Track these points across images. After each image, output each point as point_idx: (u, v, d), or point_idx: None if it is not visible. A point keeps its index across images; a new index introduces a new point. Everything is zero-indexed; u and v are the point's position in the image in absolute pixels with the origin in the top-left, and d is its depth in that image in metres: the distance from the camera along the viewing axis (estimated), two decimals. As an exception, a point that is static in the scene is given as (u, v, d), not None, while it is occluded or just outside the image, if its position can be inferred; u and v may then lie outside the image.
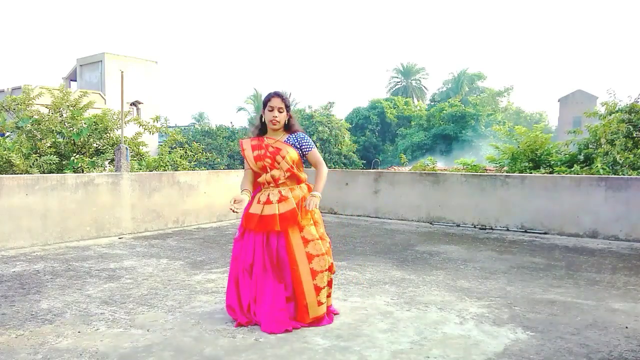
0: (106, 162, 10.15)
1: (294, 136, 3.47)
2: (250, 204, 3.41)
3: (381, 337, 3.07)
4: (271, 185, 3.39)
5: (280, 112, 3.37)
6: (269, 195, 3.37)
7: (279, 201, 3.32)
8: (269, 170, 3.36)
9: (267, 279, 3.26)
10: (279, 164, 3.35)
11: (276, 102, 3.35)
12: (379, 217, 8.51)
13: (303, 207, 3.31)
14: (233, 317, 3.35)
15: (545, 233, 6.96)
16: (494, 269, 4.89)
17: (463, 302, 3.80)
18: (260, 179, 3.43)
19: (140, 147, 10.62)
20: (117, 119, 10.25)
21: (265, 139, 3.44)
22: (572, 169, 8.52)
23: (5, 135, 10.11)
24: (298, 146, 3.45)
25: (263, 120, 3.46)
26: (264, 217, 3.31)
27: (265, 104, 3.40)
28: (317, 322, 3.30)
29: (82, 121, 10.01)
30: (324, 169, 3.48)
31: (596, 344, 2.98)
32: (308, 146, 3.47)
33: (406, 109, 44.61)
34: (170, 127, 15.42)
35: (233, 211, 3.25)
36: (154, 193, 7.16)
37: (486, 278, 4.55)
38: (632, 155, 8.39)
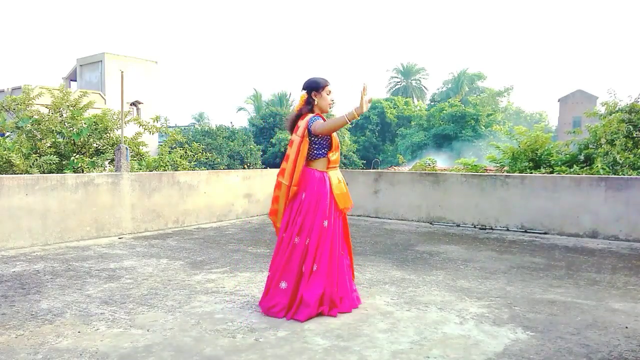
0: (106, 162, 10.14)
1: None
2: (328, 185, 3.57)
3: (381, 337, 3.07)
4: (337, 165, 3.69)
5: None
6: (337, 174, 3.68)
7: (342, 181, 3.70)
8: (338, 149, 3.67)
9: (343, 255, 3.63)
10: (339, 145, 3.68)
11: (332, 88, 3.66)
12: (379, 217, 8.51)
13: None
14: (309, 313, 3.36)
15: (545, 233, 6.96)
16: (494, 269, 4.89)
17: (463, 302, 3.80)
18: (334, 157, 3.64)
19: (140, 147, 10.62)
20: (117, 119, 10.25)
21: None
22: (572, 169, 8.52)
23: (5, 135, 10.11)
24: None
25: (315, 103, 3.61)
26: (338, 195, 3.59)
27: (322, 86, 3.60)
28: (358, 300, 3.71)
29: (82, 121, 10.01)
30: None
31: (596, 344, 2.98)
32: None
33: (406, 109, 44.64)
34: (170, 127, 15.39)
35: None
36: (154, 193, 7.16)
37: (486, 278, 4.55)
38: (632, 155, 8.39)
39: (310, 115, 3.55)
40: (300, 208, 3.51)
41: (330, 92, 3.63)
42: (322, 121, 3.52)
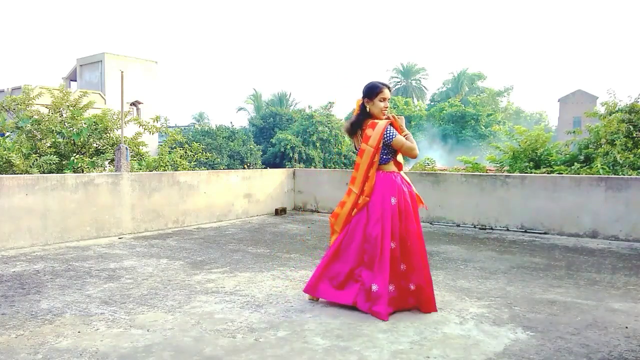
0: (106, 162, 10.15)
1: None
2: (402, 182, 3.68)
3: (381, 337, 3.07)
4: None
5: (388, 103, 3.68)
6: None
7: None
8: None
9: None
10: None
11: (387, 94, 3.64)
12: (379, 217, 8.49)
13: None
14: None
15: (545, 233, 6.96)
16: (494, 269, 4.89)
17: (463, 302, 3.80)
18: (400, 159, 3.75)
19: (140, 147, 10.63)
20: (117, 119, 10.25)
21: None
22: (573, 167, 8.52)
23: (5, 135, 10.11)
24: None
25: (368, 110, 3.65)
26: None
27: (375, 93, 3.61)
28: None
29: (82, 121, 10.02)
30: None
31: (596, 344, 2.98)
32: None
33: (406, 109, 44.62)
34: (170, 127, 15.41)
35: None
36: (154, 193, 7.16)
37: (486, 278, 4.55)
38: (632, 155, 8.39)
39: (384, 124, 3.56)
40: (389, 213, 3.51)
41: (384, 98, 3.61)
42: (402, 139, 3.57)
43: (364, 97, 3.65)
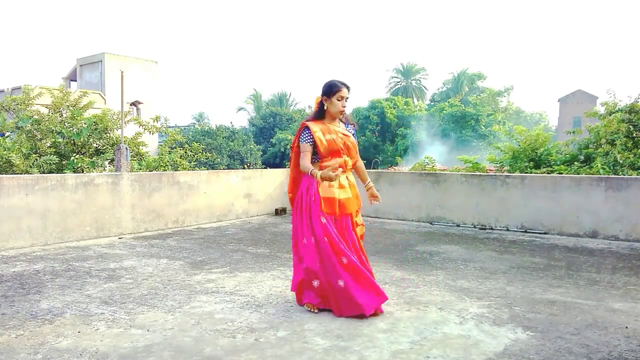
0: (106, 162, 10.15)
1: (352, 127, 3.76)
2: (318, 187, 3.52)
3: (381, 337, 3.07)
4: (340, 170, 3.53)
5: (346, 102, 3.63)
6: (339, 180, 3.55)
7: (349, 186, 3.63)
8: (342, 155, 3.59)
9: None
10: (349, 151, 3.62)
11: (345, 93, 3.58)
12: (378, 217, 8.51)
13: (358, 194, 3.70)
14: (371, 308, 3.37)
15: (545, 233, 6.96)
16: (494, 269, 4.89)
17: (463, 302, 3.80)
18: (327, 163, 3.55)
19: (140, 147, 10.63)
20: (117, 119, 10.25)
21: (328, 125, 3.62)
22: (573, 169, 8.52)
23: (5, 135, 10.11)
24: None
25: (325, 108, 3.61)
26: (341, 201, 3.54)
27: (333, 92, 3.55)
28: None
29: (82, 121, 10.02)
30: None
31: (596, 344, 2.98)
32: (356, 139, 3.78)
33: (406, 109, 44.59)
34: (170, 127, 15.41)
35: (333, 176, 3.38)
36: (154, 193, 7.16)
37: (486, 278, 4.55)
38: (632, 155, 8.39)
39: (301, 127, 3.62)
40: (299, 211, 3.60)
41: (342, 97, 3.56)
42: (305, 148, 3.53)
43: (322, 95, 3.62)
